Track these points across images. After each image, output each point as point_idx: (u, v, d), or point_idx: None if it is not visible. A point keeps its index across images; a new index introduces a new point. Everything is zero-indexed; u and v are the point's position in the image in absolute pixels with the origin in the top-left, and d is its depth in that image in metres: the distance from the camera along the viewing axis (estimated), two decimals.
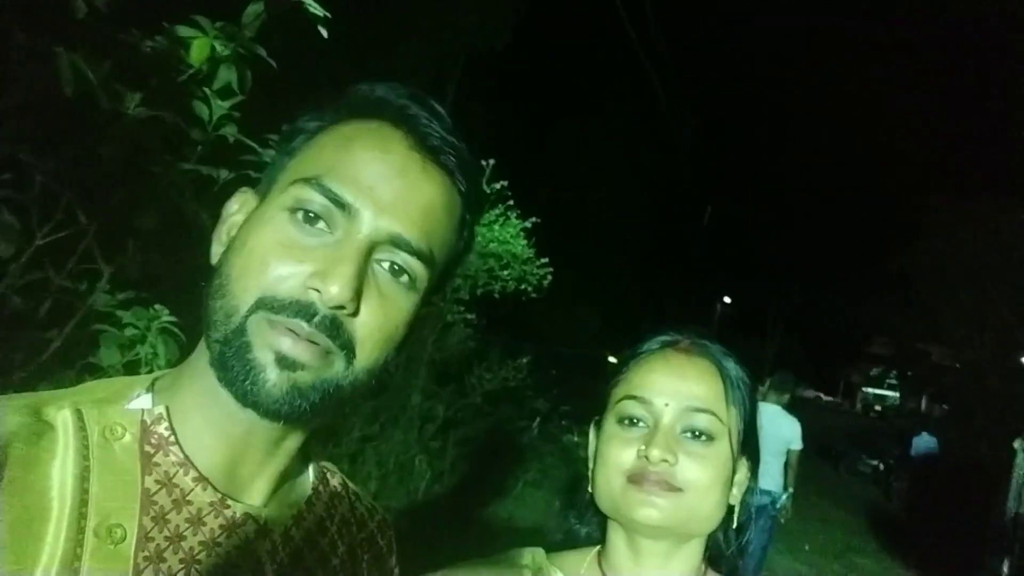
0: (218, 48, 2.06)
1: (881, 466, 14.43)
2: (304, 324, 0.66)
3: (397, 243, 0.71)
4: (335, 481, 0.92)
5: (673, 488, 0.95)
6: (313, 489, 0.85)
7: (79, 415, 0.66)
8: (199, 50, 2.02)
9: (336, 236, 0.70)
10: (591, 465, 1.07)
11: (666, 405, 0.99)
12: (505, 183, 6.52)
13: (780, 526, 6.11)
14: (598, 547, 1.09)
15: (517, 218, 6.76)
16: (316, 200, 0.70)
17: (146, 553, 0.63)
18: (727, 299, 27.50)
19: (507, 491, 6.96)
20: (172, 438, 0.69)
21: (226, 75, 2.09)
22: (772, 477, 5.68)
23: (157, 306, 2.20)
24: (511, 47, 12.27)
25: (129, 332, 2.18)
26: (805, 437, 5.83)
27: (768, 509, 5.71)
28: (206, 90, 2.11)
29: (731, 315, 27.59)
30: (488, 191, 6.48)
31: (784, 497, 5.74)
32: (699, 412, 0.99)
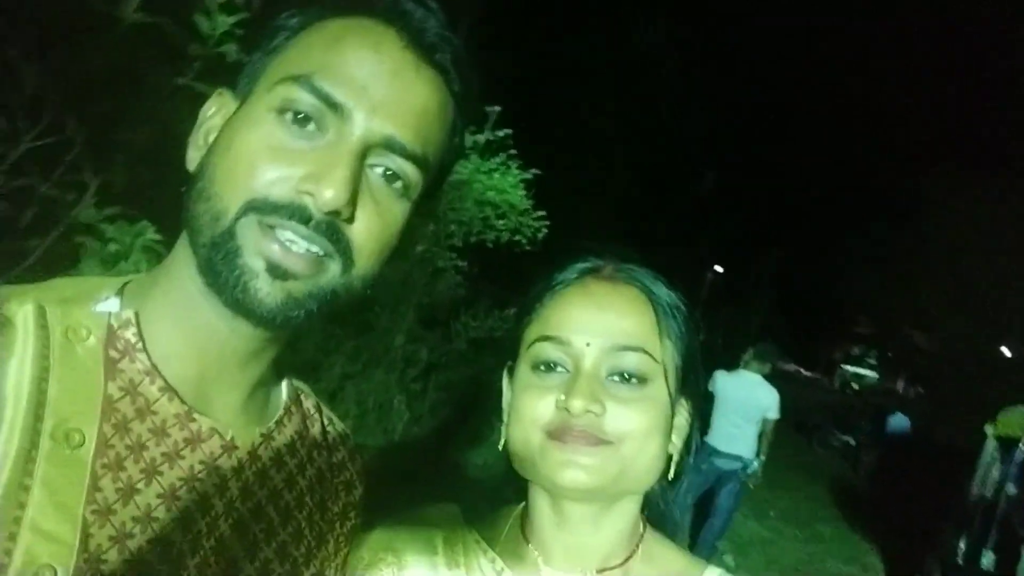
0: None
1: (852, 442, 14.68)
2: (301, 227, 0.65)
3: (391, 146, 0.69)
4: (308, 403, 0.89)
5: (602, 441, 0.80)
6: (285, 409, 0.82)
7: (41, 312, 0.63)
8: None
9: (327, 138, 0.67)
10: (504, 419, 0.91)
11: (588, 345, 0.83)
12: (509, 131, 6.42)
13: (748, 492, 6.24)
14: (521, 506, 0.96)
15: (518, 168, 6.67)
16: (305, 100, 0.66)
17: (105, 460, 0.61)
18: (718, 268, 27.54)
19: (483, 438, 7.02)
20: (140, 344, 0.67)
21: None
22: (746, 443, 5.78)
23: (143, 222, 2.14)
24: None
25: (112, 247, 2.13)
26: (782, 408, 5.91)
27: (739, 474, 5.83)
28: (209, 3, 2.03)
29: (721, 284, 27.70)
30: (491, 138, 6.39)
31: (755, 464, 5.85)
32: (627, 351, 0.83)
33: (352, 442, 0.96)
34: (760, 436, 5.82)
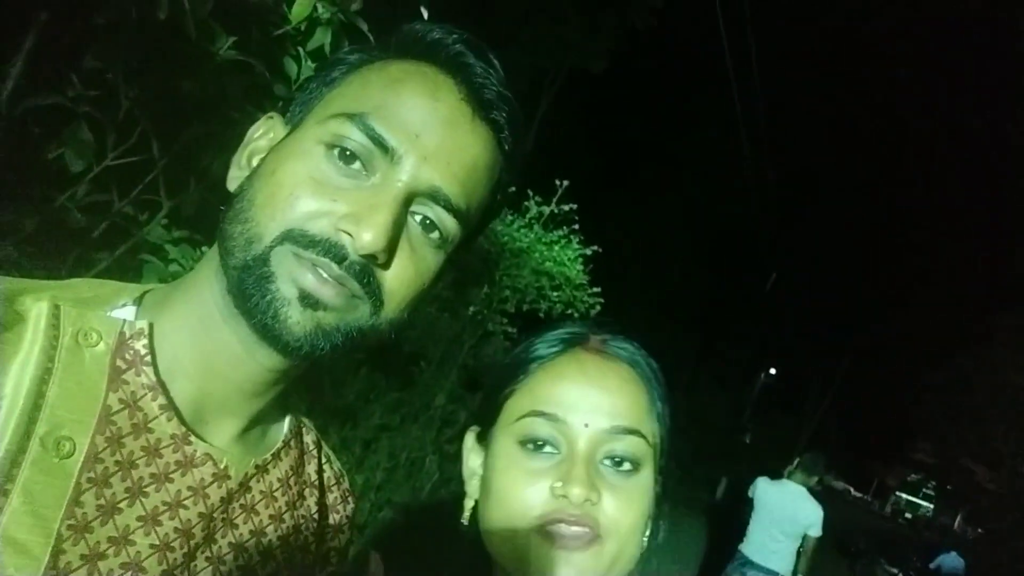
0: (320, 10, 2.07)
1: (900, 575, 13.75)
2: (334, 265, 0.64)
3: (436, 197, 0.68)
4: (308, 438, 0.87)
5: (594, 540, 0.76)
6: (284, 441, 0.79)
7: (55, 312, 0.61)
8: (301, 8, 2.03)
9: (373, 180, 0.66)
10: (474, 492, 0.86)
11: (586, 426, 0.78)
12: (575, 206, 6.48)
13: None
14: None
15: (579, 243, 6.72)
16: (357, 138, 0.66)
17: (91, 475, 0.59)
18: (772, 371, 26.74)
19: None
20: (148, 358, 0.65)
21: (321, 37, 2.10)
22: (783, 559, 5.45)
23: (205, 248, 2.21)
24: (608, 73, 12.26)
25: (173, 268, 2.19)
26: (825, 526, 5.57)
27: None
28: (299, 48, 2.13)
29: (773, 387, 26.85)
30: (556, 211, 6.47)
31: None
32: (625, 433, 0.79)
33: (346, 483, 0.93)
34: (799, 553, 5.48)
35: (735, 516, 5.81)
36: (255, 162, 0.72)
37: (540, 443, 0.79)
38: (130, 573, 0.61)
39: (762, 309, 25.48)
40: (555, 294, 6.51)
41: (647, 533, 0.83)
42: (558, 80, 12.62)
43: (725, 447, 18.44)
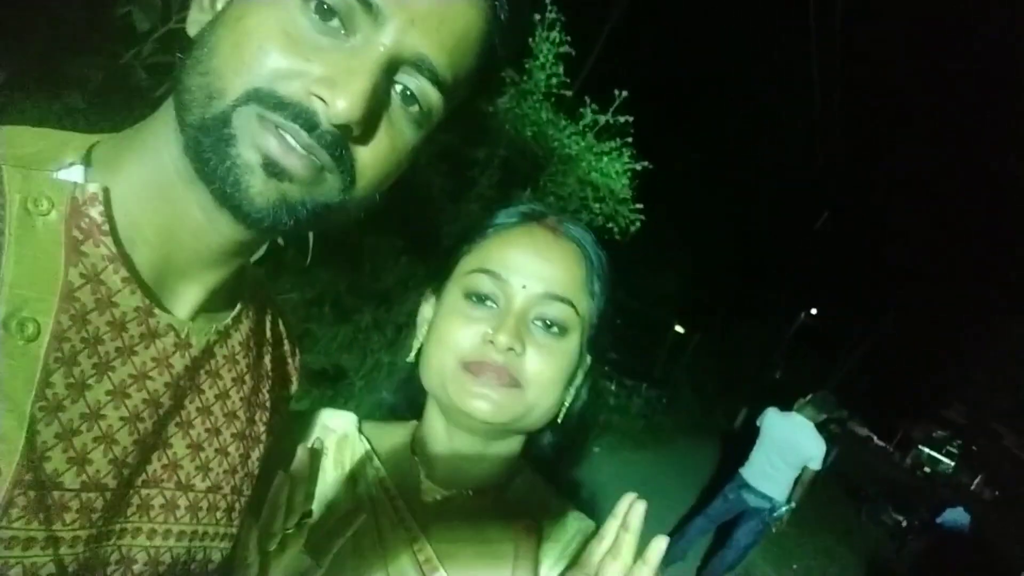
0: None
1: (904, 522, 13.99)
2: (303, 133, 0.58)
3: (420, 66, 0.62)
4: (262, 294, 0.85)
5: (513, 383, 0.85)
6: (243, 304, 0.76)
7: None
8: None
9: (353, 41, 0.59)
10: (420, 336, 0.96)
11: (523, 287, 0.87)
12: (631, 119, 6.36)
13: (771, 536, 6.09)
14: (414, 423, 1.00)
15: (630, 157, 6.62)
16: None
17: (59, 354, 0.56)
18: (814, 311, 26.39)
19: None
20: (106, 226, 0.60)
21: None
22: (779, 485, 5.63)
23: None
24: None
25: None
26: (827, 462, 5.71)
27: (763, 514, 5.69)
28: None
29: (812, 327, 26.54)
30: (611, 121, 6.35)
31: (784, 509, 5.69)
32: (557, 300, 0.87)
33: (293, 331, 0.93)
34: (796, 482, 5.65)
35: (749, 445, 5.97)
36: (219, 4, 0.64)
37: (482, 297, 0.89)
38: (103, 446, 0.60)
39: (810, 248, 24.88)
40: (597, 206, 6.49)
41: (568, 398, 0.94)
42: None
43: (752, 379, 18.56)
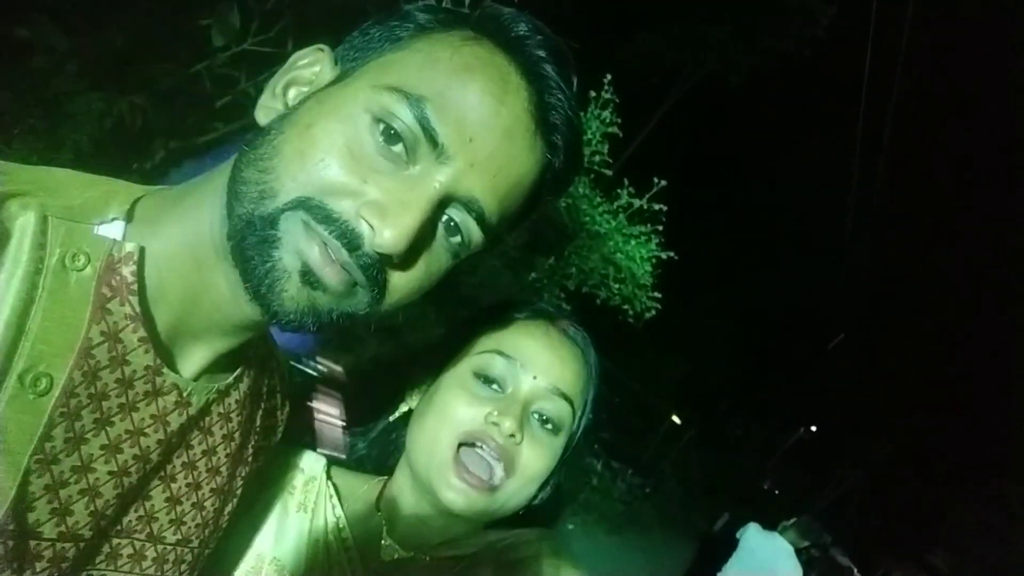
0: None
1: None
2: (344, 252, 0.58)
3: (471, 206, 0.63)
4: (263, 350, 0.84)
5: (493, 486, 0.86)
6: (246, 364, 0.76)
7: (42, 228, 0.57)
8: None
9: (412, 171, 0.60)
10: (412, 402, 0.96)
11: (534, 378, 0.89)
12: (664, 208, 6.45)
13: None
14: (384, 478, 1.00)
15: (656, 245, 6.68)
16: (407, 121, 0.60)
17: (64, 409, 0.57)
18: (813, 428, 26.02)
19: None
20: (135, 286, 0.60)
21: None
22: None
23: None
24: (741, 88, 11.96)
25: None
26: None
27: None
28: None
29: (808, 444, 26.11)
30: (645, 207, 6.45)
31: None
32: (560, 397, 0.89)
33: (287, 384, 0.93)
34: None
35: (724, 550, 5.84)
36: (291, 95, 0.66)
37: (491, 380, 0.90)
38: (86, 499, 0.60)
39: (820, 366, 24.69)
40: (616, 286, 6.53)
41: (540, 493, 0.94)
42: (689, 82, 12.37)
43: (740, 485, 18.20)
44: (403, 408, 0.97)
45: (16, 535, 0.56)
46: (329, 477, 0.98)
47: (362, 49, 0.66)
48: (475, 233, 0.65)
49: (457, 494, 0.84)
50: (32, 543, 0.57)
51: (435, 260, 0.65)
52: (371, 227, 0.58)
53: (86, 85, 2.05)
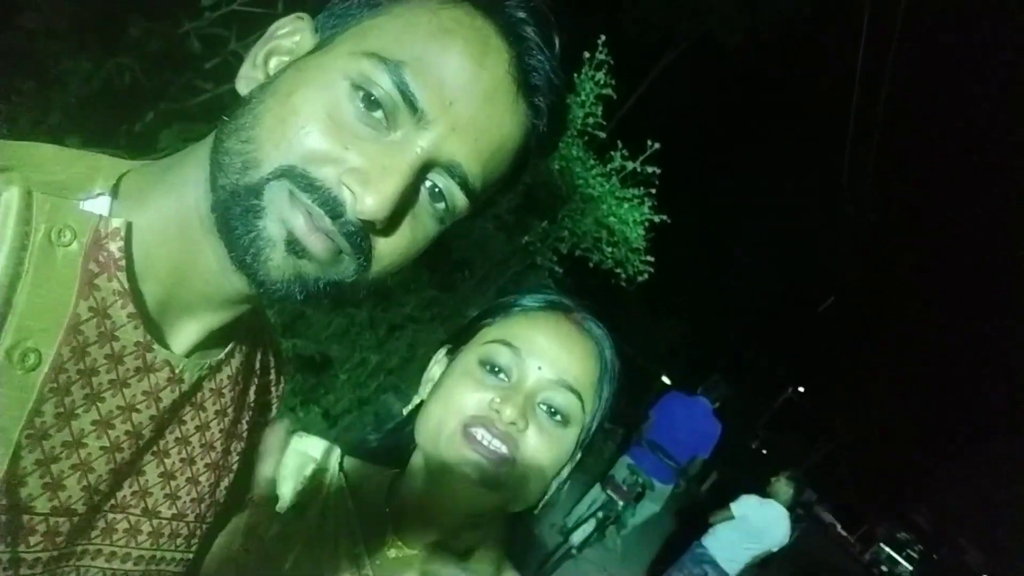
0: None
1: None
2: (327, 219, 0.59)
3: (453, 171, 0.63)
4: (257, 323, 0.84)
5: (506, 463, 0.85)
6: (237, 339, 0.77)
7: (27, 203, 0.56)
8: None
9: (393, 136, 0.61)
10: (424, 393, 0.97)
11: (539, 368, 0.89)
12: (658, 171, 6.41)
13: None
14: (395, 472, 1.01)
15: (649, 208, 6.66)
16: (386, 87, 0.60)
17: (54, 385, 0.58)
18: (801, 388, 26.36)
19: None
20: (122, 262, 0.61)
21: None
22: (739, 565, 5.66)
23: None
24: (737, 50, 11.82)
25: None
26: (796, 552, 5.76)
27: None
28: None
29: (797, 405, 26.47)
30: (638, 169, 6.40)
31: None
32: (567, 389, 0.89)
33: (282, 360, 0.94)
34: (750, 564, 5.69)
35: (713, 508, 6.02)
36: (272, 65, 0.67)
37: (496, 368, 0.90)
38: (79, 473, 0.61)
39: (809, 328, 24.91)
40: (609, 250, 6.52)
41: (553, 488, 0.95)
42: (685, 42, 12.21)
43: (729, 445, 18.47)
44: (416, 400, 0.98)
45: (8, 510, 0.57)
46: (342, 469, 0.98)
47: (341, 16, 0.66)
48: (459, 198, 0.65)
49: (471, 466, 0.84)
50: (25, 517, 0.58)
51: (420, 226, 0.66)
52: (353, 194, 0.59)
53: (74, 45, 2.02)
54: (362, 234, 0.61)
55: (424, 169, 0.62)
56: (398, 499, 0.97)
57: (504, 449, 0.85)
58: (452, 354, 0.99)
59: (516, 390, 0.88)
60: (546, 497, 0.95)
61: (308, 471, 0.96)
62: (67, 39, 1.99)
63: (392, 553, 0.93)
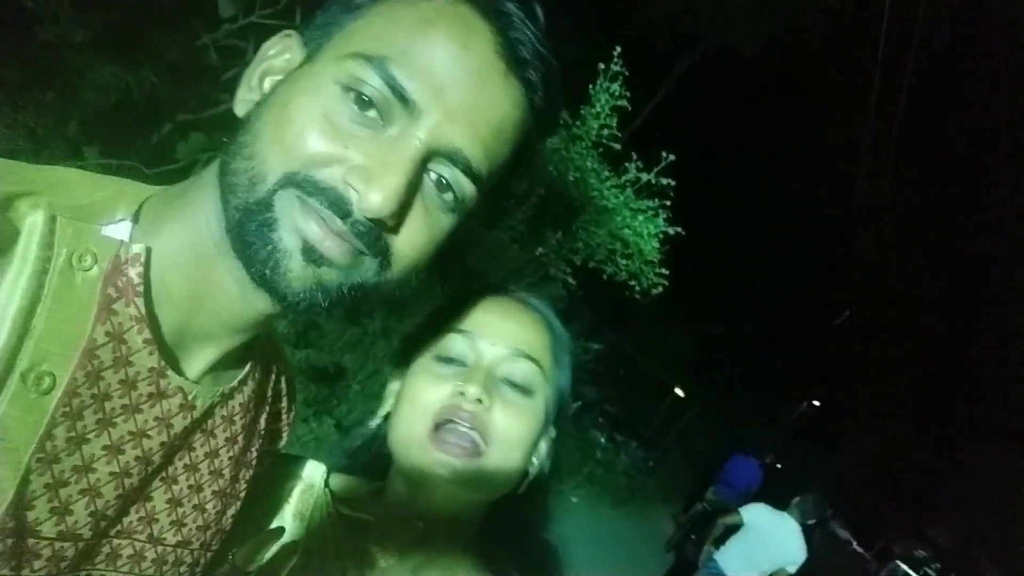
0: None
1: None
2: (337, 220, 0.58)
3: (455, 158, 0.62)
4: (270, 350, 0.84)
5: (475, 452, 0.85)
6: (251, 365, 0.76)
7: (50, 228, 0.57)
8: None
9: (390, 132, 0.60)
10: (388, 406, 0.97)
11: (492, 345, 0.90)
12: (673, 183, 6.39)
13: None
14: (381, 484, 1.00)
15: (664, 220, 6.64)
16: (375, 84, 0.59)
17: (67, 409, 0.57)
18: (816, 403, 26.11)
19: None
20: (140, 288, 0.61)
21: None
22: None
23: None
24: (754, 61, 11.80)
25: None
26: (808, 569, 5.64)
27: None
28: None
29: (813, 419, 26.22)
30: (653, 181, 6.39)
31: None
32: (524, 358, 0.90)
33: (295, 388, 0.94)
34: None
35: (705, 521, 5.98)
36: (266, 85, 0.66)
37: (451, 358, 0.90)
38: (87, 498, 0.61)
39: (825, 341, 24.70)
40: (624, 262, 6.50)
41: (532, 468, 0.94)
42: (700, 53, 12.20)
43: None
44: (381, 413, 0.98)
45: (15, 533, 0.56)
46: (327, 485, 0.98)
47: (325, 26, 0.66)
48: (466, 185, 0.64)
49: (442, 468, 0.84)
50: (31, 541, 0.58)
51: (434, 221, 0.65)
52: (357, 192, 0.58)
53: (92, 57, 2.03)
54: (375, 232, 0.60)
55: (425, 160, 0.61)
56: (382, 509, 0.96)
57: (474, 435, 0.85)
58: (407, 364, 0.98)
59: (475, 369, 0.88)
60: (529, 476, 0.93)
61: (296, 491, 0.96)
62: (86, 51, 2.00)
63: (382, 563, 0.93)
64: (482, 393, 0.85)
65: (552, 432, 0.97)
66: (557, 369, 0.94)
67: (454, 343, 0.91)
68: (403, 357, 0.99)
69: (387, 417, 0.96)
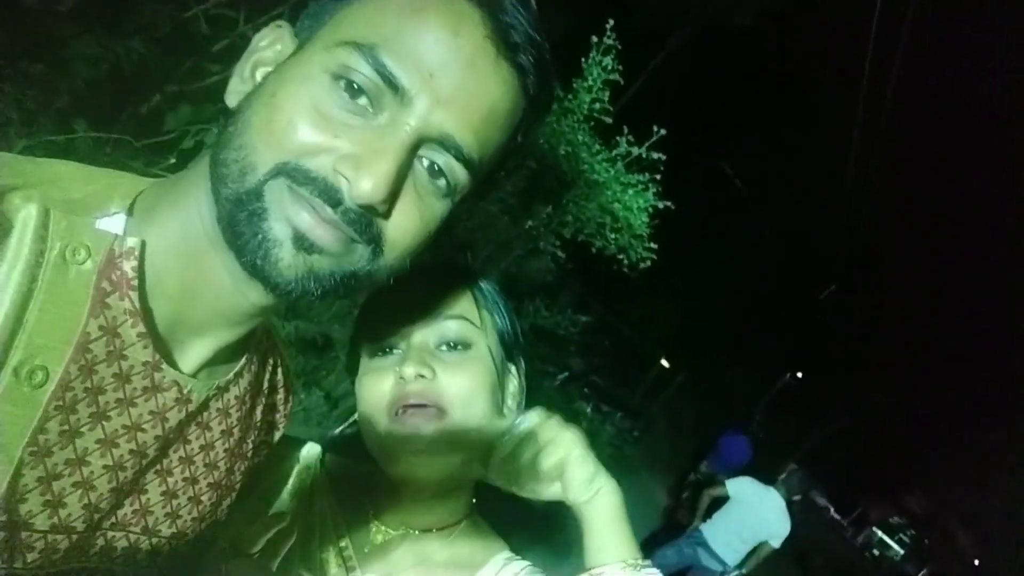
0: None
1: None
2: (328, 208, 0.59)
3: (446, 144, 0.62)
4: (267, 342, 0.85)
5: (438, 414, 0.88)
6: (247, 359, 0.77)
7: (44, 221, 0.56)
8: None
9: (380, 120, 0.60)
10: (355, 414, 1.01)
11: (415, 323, 0.93)
12: (663, 157, 6.37)
13: None
14: (374, 464, 1.01)
15: (654, 195, 6.62)
16: (365, 72, 0.59)
17: (59, 402, 0.57)
18: (799, 374, 26.41)
19: None
20: (135, 282, 0.61)
21: None
22: (736, 552, 5.70)
23: None
24: (748, 30, 11.69)
25: None
26: (787, 541, 5.77)
27: (712, 575, 5.77)
28: None
29: (795, 390, 26.54)
30: (644, 155, 6.36)
31: (734, 574, 5.75)
32: (449, 319, 0.93)
33: (292, 380, 0.95)
34: (751, 553, 5.72)
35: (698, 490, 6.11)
36: (258, 76, 0.67)
37: (387, 348, 0.95)
38: (80, 491, 0.61)
39: (809, 314, 24.95)
40: (613, 236, 6.50)
41: (508, 403, 0.98)
42: (692, 27, 12.08)
43: (727, 429, 18.55)
44: (351, 419, 1.03)
45: (7, 526, 0.56)
46: (323, 464, 1.01)
47: (315, 16, 0.66)
48: (459, 172, 0.65)
49: (416, 440, 0.87)
50: (24, 534, 0.58)
51: (427, 207, 0.65)
52: (347, 180, 0.58)
53: (80, 28, 1.99)
54: (367, 219, 0.61)
55: (416, 146, 0.62)
56: (375, 489, 0.99)
57: (425, 401, 0.89)
58: (354, 371, 1.01)
59: (409, 350, 0.92)
60: (511, 419, 0.95)
61: (292, 470, 0.98)
62: (75, 22, 1.96)
63: (379, 538, 0.96)
64: (420, 368, 0.89)
65: (515, 369, 1.00)
66: (487, 313, 0.97)
67: (381, 333, 0.94)
68: (350, 366, 1.02)
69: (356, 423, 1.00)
